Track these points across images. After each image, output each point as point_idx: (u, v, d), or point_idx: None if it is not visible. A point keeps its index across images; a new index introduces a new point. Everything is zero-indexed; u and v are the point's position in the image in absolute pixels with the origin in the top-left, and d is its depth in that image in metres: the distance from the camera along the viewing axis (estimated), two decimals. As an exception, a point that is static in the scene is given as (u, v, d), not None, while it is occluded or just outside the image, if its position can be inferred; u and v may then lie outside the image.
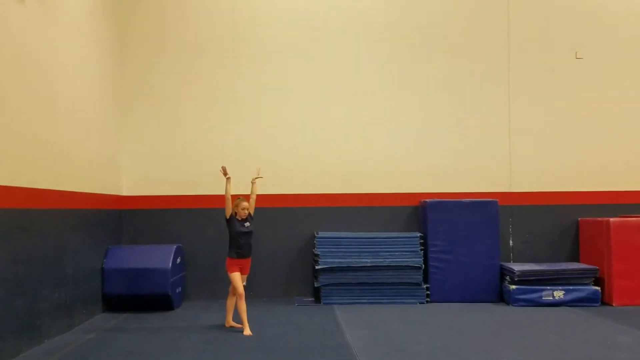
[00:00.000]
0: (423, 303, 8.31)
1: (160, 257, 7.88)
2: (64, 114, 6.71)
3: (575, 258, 8.99)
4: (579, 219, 9.03)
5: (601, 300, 8.07)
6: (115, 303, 7.84)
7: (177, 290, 8.12)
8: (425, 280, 8.48)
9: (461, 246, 8.45)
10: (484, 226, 8.49)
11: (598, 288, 8.06)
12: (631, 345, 5.88)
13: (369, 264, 8.26)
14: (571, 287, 8.03)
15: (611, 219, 8.21)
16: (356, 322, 7.05)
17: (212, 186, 8.80)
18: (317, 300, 8.46)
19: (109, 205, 8.18)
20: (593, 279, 8.18)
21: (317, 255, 8.36)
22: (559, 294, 7.99)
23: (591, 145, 9.17)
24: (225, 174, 6.71)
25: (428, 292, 8.40)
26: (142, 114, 8.95)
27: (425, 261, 8.46)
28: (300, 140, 9.02)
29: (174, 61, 8.99)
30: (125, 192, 8.81)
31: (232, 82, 9.04)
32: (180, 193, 8.86)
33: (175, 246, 8.10)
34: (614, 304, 8.03)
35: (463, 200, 8.63)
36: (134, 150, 8.89)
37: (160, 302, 7.82)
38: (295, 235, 8.94)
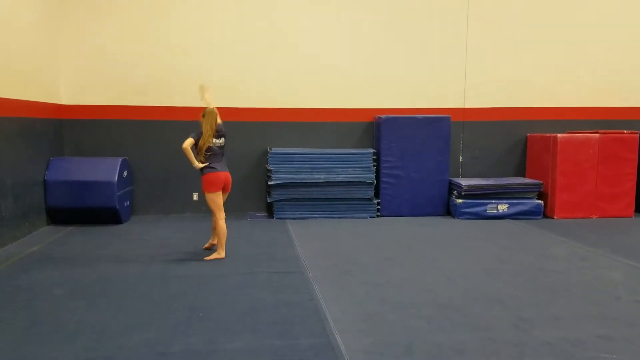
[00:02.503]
0: (374, 217, 8.45)
1: (105, 169, 7.63)
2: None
3: (522, 173, 9.25)
4: (528, 134, 9.19)
5: (543, 213, 8.41)
6: (60, 216, 7.65)
7: (125, 204, 7.96)
8: (377, 196, 8.59)
9: (412, 162, 8.52)
10: (436, 142, 8.54)
11: (541, 202, 8.36)
12: (567, 255, 6.17)
13: (321, 180, 8.26)
14: (515, 201, 8.30)
15: (558, 135, 8.38)
16: (307, 236, 7.13)
17: (160, 97, 8.49)
18: (270, 215, 8.49)
19: (46, 114, 7.74)
20: (537, 193, 8.46)
21: (270, 171, 8.28)
22: (503, 207, 8.26)
23: (544, 62, 9.16)
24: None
25: (379, 207, 8.53)
26: (81, 16, 8.28)
27: (377, 177, 8.52)
28: (253, 52, 8.64)
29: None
30: (64, 101, 8.33)
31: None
32: (125, 103, 8.45)
33: (121, 159, 7.84)
34: (555, 217, 8.37)
35: (416, 116, 8.59)
36: (73, 56, 8.30)
37: (108, 216, 7.67)
38: (248, 150, 8.77)
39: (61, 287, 4.87)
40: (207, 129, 5.74)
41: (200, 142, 5.74)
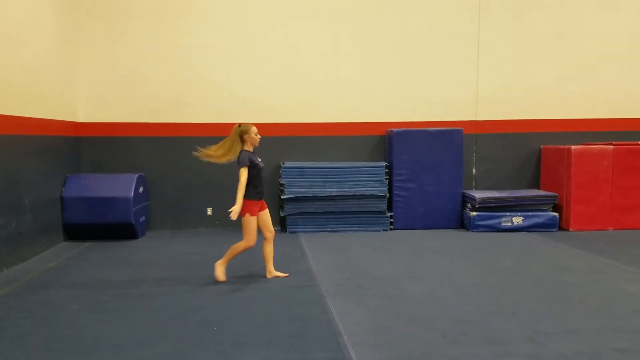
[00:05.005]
0: (387, 230, 8.45)
1: (122, 185, 7.74)
2: (7, 32, 6.29)
3: (536, 185, 9.19)
4: (542, 146, 9.15)
5: (559, 225, 8.33)
6: (77, 232, 7.75)
7: (141, 220, 8.05)
8: (390, 209, 8.59)
9: (425, 175, 8.52)
10: (449, 155, 8.54)
11: (556, 214, 8.29)
12: (583, 268, 6.11)
13: (334, 194, 8.29)
14: (530, 213, 8.24)
15: (573, 147, 8.32)
16: (320, 249, 7.14)
17: (175, 114, 8.60)
18: (283, 228, 8.52)
19: (64, 132, 7.89)
20: (552, 205, 8.39)
21: (282, 184, 8.33)
22: (517, 220, 8.20)
23: (557, 73, 9.14)
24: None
25: (392, 220, 8.52)
26: (97, 36, 8.46)
27: (390, 190, 8.53)
28: (265, 68, 8.74)
29: (129, -20, 8.48)
30: (82, 119, 8.49)
31: (194, 3, 8.61)
32: (141, 120, 8.59)
33: (137, 175, 7.94)
34: (570, 229, 8.30)
35: (428, 129, 8.60)
36: (89, 75, 8.47)
37: (124, 231, 7.76)
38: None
39: (78, 302, 4.93)
40: None
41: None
